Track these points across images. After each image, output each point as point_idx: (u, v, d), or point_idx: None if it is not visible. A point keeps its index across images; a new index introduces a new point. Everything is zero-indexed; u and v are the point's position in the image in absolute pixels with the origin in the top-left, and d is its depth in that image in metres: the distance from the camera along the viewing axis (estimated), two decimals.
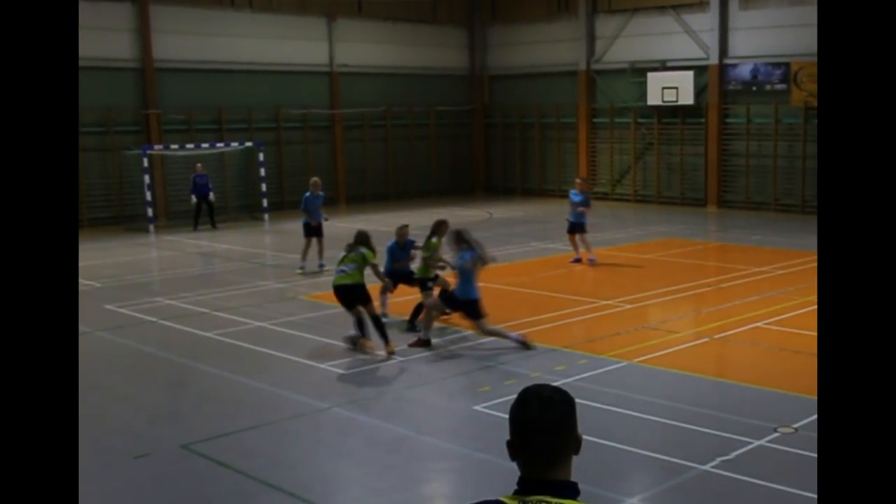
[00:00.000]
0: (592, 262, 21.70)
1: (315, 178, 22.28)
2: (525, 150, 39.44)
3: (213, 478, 9.60)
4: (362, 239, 14.75)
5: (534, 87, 38.72)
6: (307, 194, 21.52)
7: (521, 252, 23.85)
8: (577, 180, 23.59)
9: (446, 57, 39.79)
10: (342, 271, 14.50)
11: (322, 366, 13.53)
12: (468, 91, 40.64)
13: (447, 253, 15.81)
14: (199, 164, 29.31)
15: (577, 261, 21.99)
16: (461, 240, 14.55)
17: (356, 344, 14.20)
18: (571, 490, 3.14)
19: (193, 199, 29.36)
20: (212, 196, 29.32)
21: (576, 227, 22.18)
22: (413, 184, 38.19)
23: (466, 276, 14.25)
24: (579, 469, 3.24)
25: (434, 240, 16.09)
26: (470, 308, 14.22)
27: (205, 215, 29.36)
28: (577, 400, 3.27)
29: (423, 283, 16.09)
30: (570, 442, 3.18)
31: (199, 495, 9.22)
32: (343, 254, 14.79)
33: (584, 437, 3.29)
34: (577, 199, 22.29)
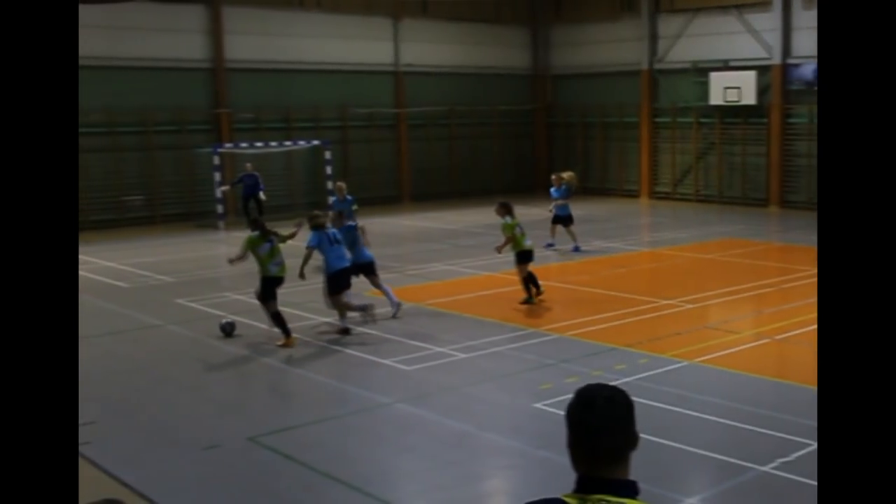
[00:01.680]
0: (576, 251, 23.28)
1: (340, 183, 22.25)
2: (587, 150, 39.20)
3: (278, 470, 9.68)
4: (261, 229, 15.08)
5: (596, 87, 38.49)
6: (333, 199, 21.46)
7: (582, 251, 23.69)
8: (553, 177, 24.88)
9: (509, 56, 39.70)
10: (279, 264, 14.96)
11: (385, 361, 13.57)
12: (531, 90, 40.51)
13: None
14: (248, 164, 29.20)
15: (551, 245, 23.77)
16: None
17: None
18: (631, 489, 3.10)
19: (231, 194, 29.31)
20: (262, 195, 29.05)
21: (559, 219, 24.00)
22: (476, 182, 38.14)
23: None
24: (638, 468, 3.21)
25: (509, 219, 17.28)
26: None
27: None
28: (637, 399, 3.25)
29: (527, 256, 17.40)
30: (630, 440, 3.14)
31: (264, 487, 9.30)
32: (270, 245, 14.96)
33: (644, 436, 3.26)
34: (556, 194, 24.19)
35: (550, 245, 23.83)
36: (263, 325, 15.72)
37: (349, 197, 21.59)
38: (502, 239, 17.47)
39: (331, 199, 21.63)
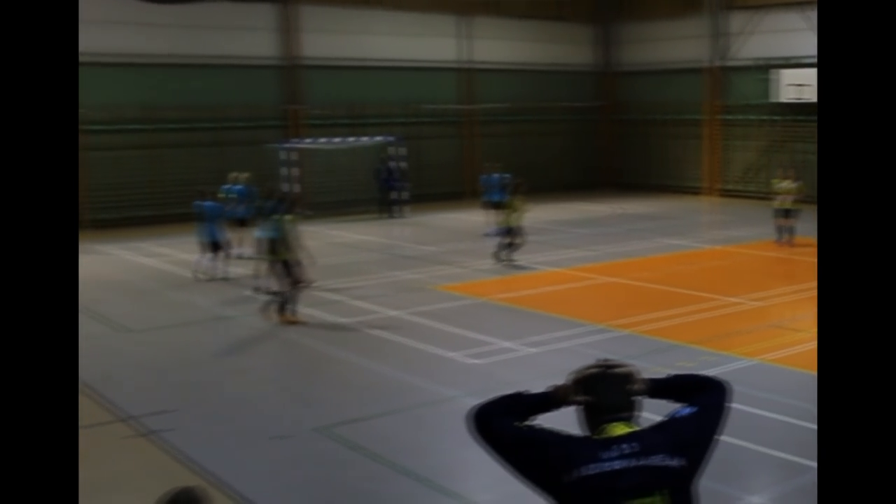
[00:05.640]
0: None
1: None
2: (651, 147, 38.82)
3: (346, 461, 9.72)
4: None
5: (661, 84, 38.09)
6: None
7: (647, 248, 23.48)
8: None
9: (575, 54, 39.48)
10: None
11: (452, 355, 13.56)
12: (596, 87, 40.21)
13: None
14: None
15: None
16: None
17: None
18: None
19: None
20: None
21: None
22: (541, 179, 37.84)
23: None
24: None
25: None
26: None
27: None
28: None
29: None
30: None
31: (332, 477, 9.34)
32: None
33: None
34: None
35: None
36: (338, 317, 15.83)
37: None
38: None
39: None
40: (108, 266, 22.16)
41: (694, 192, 36.74)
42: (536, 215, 29.61)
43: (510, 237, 20.79)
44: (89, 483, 9.17)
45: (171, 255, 23.10)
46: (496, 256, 20.98)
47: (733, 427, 10.03)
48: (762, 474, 9.43)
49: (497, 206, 24.99)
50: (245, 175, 23.62)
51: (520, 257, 20.83)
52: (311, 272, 16.25)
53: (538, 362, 13.11)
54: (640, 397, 3.84)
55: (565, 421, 3.95)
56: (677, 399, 3.96)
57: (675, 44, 37.13)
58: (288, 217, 15.79)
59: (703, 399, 3.91)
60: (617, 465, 3.54)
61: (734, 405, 11.58)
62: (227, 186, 23.06)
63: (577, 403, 3.84)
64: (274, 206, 16.91)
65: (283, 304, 15.68)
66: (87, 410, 11.44)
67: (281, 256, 15.59)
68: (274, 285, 15.95)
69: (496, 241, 21.83)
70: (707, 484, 3.10)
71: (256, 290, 17.47)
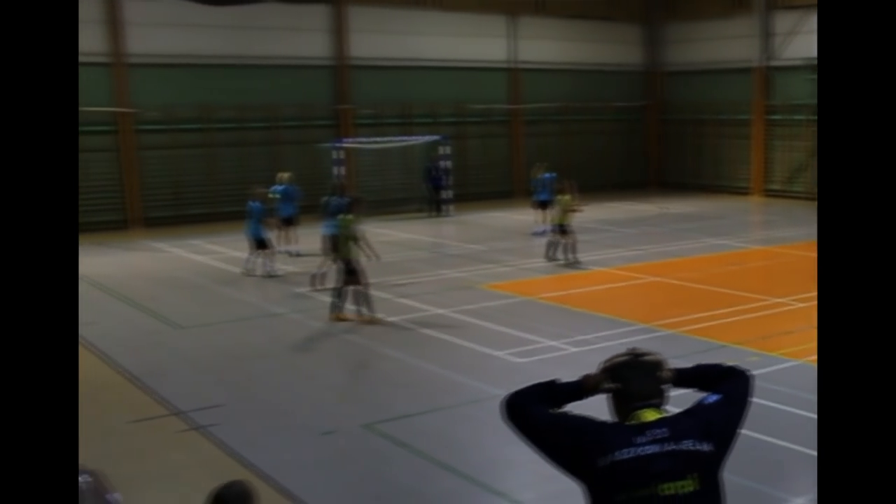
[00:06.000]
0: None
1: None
2: (699, 147, 38.52)
3: (392, 457, 9.77)
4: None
5: (709, 84, 37.76)
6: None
7: (693, 248, 23.31)
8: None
9: (623, 53, 39.25)
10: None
11: (498, 354, 13.57)
12: (643, 87, 39.97)
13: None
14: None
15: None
16: None
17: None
18: None
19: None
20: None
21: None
22: (588, 178, 37.65)
23: None
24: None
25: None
26: None
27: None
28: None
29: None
30: None
31: (378, 473, 9.40)
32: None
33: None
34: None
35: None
36: (385, 315, 15.89)
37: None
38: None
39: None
40: (161, 263, 22.45)
41: (740, 192, 36.38)
42: (583, 215, 29.52)
43: (560, 236, 20.75)
44: (145, 474, 9.34)
45: (223, 252, 23.34)
46: (547, 255, 20.98)
47: (778, 428, 10.05)
48: (807, 476, 9.33)
49: (545, 205, 25.04)
50: (287, 174, 23.77)
51: (566, 257, 20.76)
52: (368, 270, 16.24)
53: (583, 361, 13.05)
54: (667, 385, 3.90)
55: (593, 409, 4.00)
56: (702, 388, 4.05)
57: (723, 43, 36.78)
58: (349, 217, 15.84)
59: (728, 387, 3.97)
60: (649, 449, 3.63)
61: (779, 406, 11.56)
62: (275, 186, 23.24)
63: (608, 391, 3.92)
64: (338, 203, 17.14)
65: (338, 301, 15.79)
66: (144, 404, 11.64)
67: (342, 255, 15.68)
68: (333, 282, 16.11)
69: (544, 239, 21.80)
70: (752, 485, 3.12)
71: (314, 285, 17.68)
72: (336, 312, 15.70)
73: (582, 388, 4.04)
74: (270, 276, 19.93)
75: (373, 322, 15.44)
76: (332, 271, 16.42)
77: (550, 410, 3.97)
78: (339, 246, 15.81)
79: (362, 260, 15.86)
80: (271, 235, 20.68)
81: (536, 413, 3.96)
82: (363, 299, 15.64)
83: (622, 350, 4.06)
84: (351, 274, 15.60)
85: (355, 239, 15.69)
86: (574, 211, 20.92)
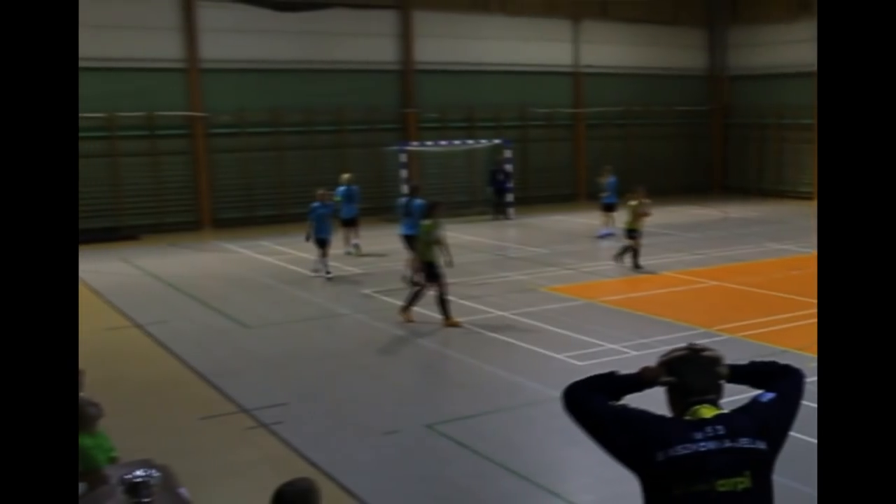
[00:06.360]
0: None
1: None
2: (762, 151, 38.06)
3: (453, 457, 9.86)
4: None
5: (772, 88, 37.27)
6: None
7: (755, 252, 23.09)
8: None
9: (686, 57, 38.93)
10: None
11: (558, 356, 13.60)
12: (707, 91, 39.60)
13: None
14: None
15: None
16: None
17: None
18: None
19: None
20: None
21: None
22: (651, 182, 37.30)
23: None
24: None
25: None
26: None
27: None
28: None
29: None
30: None
31: (438, 473, 9.49)
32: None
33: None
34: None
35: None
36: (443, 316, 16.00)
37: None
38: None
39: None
40: (231, 263, 22.82)
41: (803, 196, 35.85)
42: (646, 219, 29.38)
43: (629, 240, 20.62)
44: (214, 470, 9.54)
45: (290, 253, 23.63)
46: (616, 259, 20.93)
47: None
48: None
49: (611, 208, 24.99)
50: (347, 175, 23.96)
51: (633, 261, 20.60)
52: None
53: (642, 365, 13.03)
54: (723, 381, 3.94)
55: (647, 403, 4.06)
56: (756, 385, 4.10)
57: (786, 47, 36.30)
58: (428, 221, 15.93)
59: (782, 386, 4.01)
60: (707, 445, 3.68)
61: None
62: (338, 188, 23.44)
63: (666, 384, 3.97)
64: (419, 205, 17.51)
65: (411, 302, 15.92)
66: (214, 401, 11.87)
67: (424, 258, 15.80)
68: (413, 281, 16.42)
69: (607, 243, 21.72)
70: (804, 490, 3.15)
71: (405, 280, 18.03)
72: (406, 313, 15.83)
73: (640, 381, 4.10)
74: (318, 274, 20.02)
75: (452, 325, 15.49)
76: (412, 270, 16.65)
77: (610, 403, 4.03)
78: (421, 249, 15.89)
79: (441, 264, 15.93)
80: (331, 237, 20.57)
81: (596, 405, 4.03)
82: (441, 303, 15.64)
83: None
84: (432, 277, 15.69)
85: (437, 242, 15.77)
86: (645, 215, 20.80)
